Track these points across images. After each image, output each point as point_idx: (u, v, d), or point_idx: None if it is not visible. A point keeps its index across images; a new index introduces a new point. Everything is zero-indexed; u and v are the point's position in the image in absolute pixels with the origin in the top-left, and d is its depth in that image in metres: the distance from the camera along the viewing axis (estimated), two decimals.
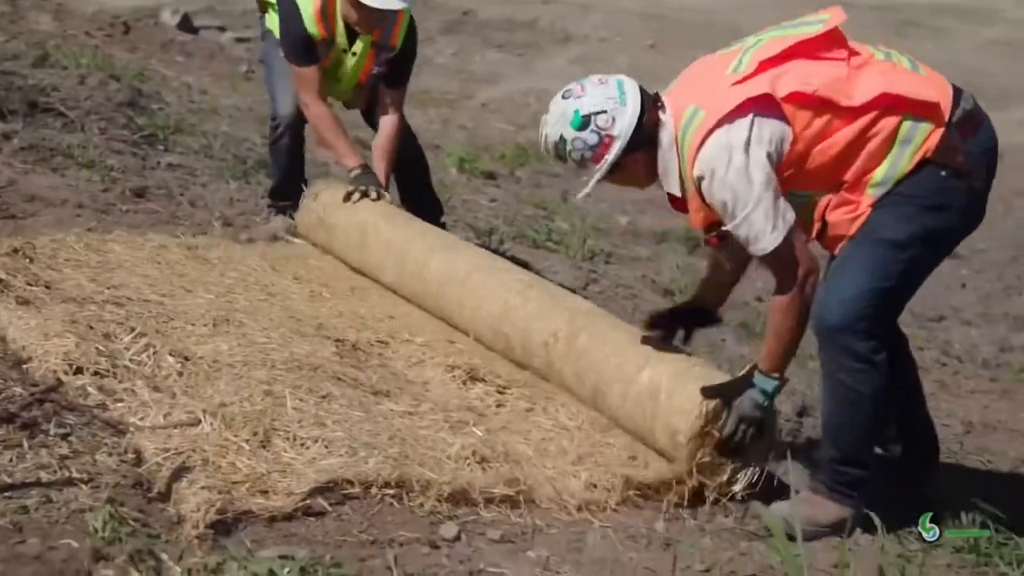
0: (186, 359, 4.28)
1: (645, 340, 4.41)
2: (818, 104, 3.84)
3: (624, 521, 3.78)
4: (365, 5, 6.00)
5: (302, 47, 6.20)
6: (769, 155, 3.82)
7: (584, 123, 3.99)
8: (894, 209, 3.88)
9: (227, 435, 3.70)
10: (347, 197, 6.12)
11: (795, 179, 3.94)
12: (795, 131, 3.85)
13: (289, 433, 3.80)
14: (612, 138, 3.98)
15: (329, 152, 6.69)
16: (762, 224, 3.83)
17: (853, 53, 3.94)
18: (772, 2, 18.23)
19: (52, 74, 8.46)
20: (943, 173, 3.86)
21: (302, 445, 3.75)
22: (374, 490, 3.59)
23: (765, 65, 3.88)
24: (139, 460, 3.55)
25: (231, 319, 4.81)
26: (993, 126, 4.02)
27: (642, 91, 4.06)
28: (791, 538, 3.40)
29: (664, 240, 8.98)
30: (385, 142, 6.43)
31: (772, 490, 4.12)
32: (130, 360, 4.18)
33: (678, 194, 4.04)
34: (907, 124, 3.86)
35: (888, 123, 3.86)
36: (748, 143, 3.80)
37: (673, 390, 4.12)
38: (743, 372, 4.08)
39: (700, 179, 3.89)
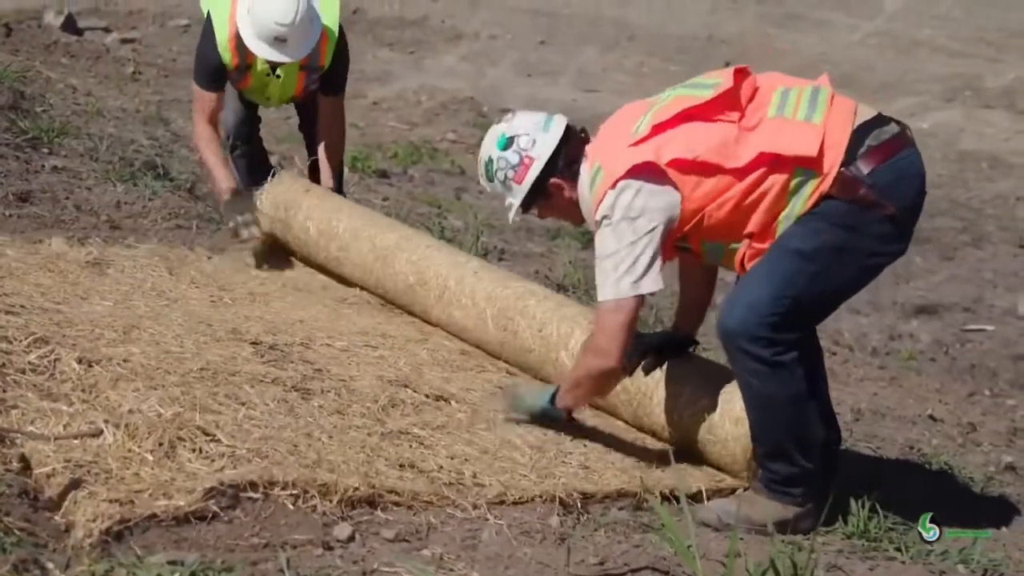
0: (91, 364, 4.17)
1: None
2: (702, 168, 4.00)
3: (519, 517, 3.78)
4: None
5: (210, 72, 6.29)
6: (653, 224, 4.01)
7: (508, 143, 4.27)
8: (804, 225, 4.00)
9: (130, 445, 3.61)
10: (235, 234, 6.23)
11: (699, 233, 4.09)
12: (684, 192, 4.02)
13: (195, 444, 3.71)
14: (531, 159, 4.23)
15: (206, 174, 6.71)
16: (608, 273, 4.06)
17: (744, 115, 4.05)
18: None
19: None
20: (849, 205, 3.96)
21: (204, 454, 3.68)
22: (275, 491, 3.54)
23: (657, 129, 4.06)
24: (25, 468, 3.47)
25: (139, 326, 4.69)
26: (916, 156, 4.08)
27: (570, 126, 4.31)
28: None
29: (557, 236, 9.03)
30: (330, 156, 6.60)
31: None
32: (28, 365, 4.07)
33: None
34: (797, 178, 3.98)
35: (778, 179, 3.99)
36: (628, 208, 4.02)
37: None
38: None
39: (596, 232, 4.14)
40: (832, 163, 3.96)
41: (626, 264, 4.01)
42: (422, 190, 9.96)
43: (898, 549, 4.00)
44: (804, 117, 4.01)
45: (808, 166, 3.96)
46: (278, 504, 3.51)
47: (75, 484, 3.36)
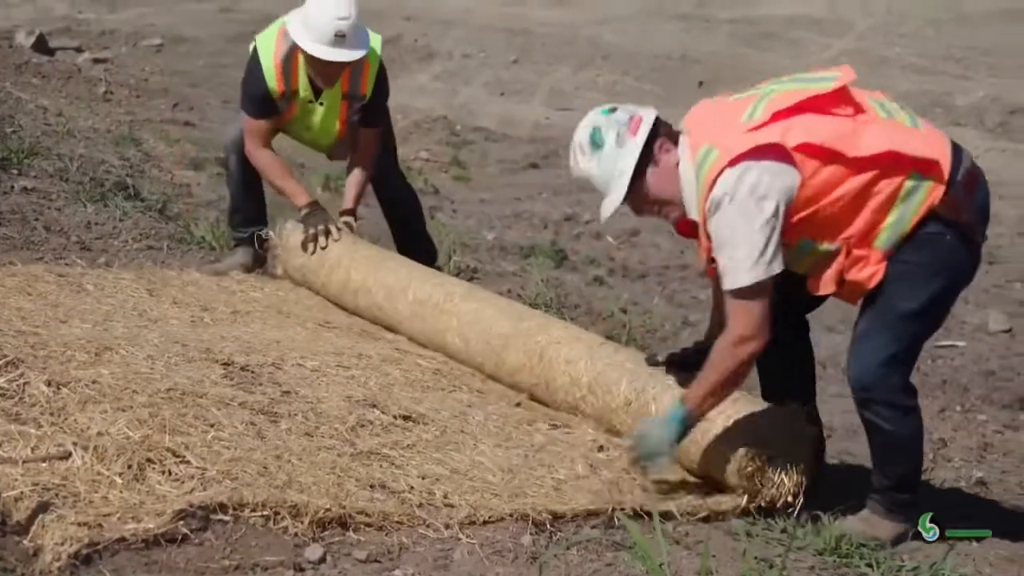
0: (60, 387, 4.13)
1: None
2: (826, 154, 4.05)
3: (490, 536, 3.77)
4: (319, 59, 6.04)
5: (258, 101, 6.34)
6: (777, 203, 4.02)
7: (613, 110, 4.25)
8: (907, 281, 4.14)
9: (99, 468, 3.59)
10: (304, 247, 6.30)
11: (802, 227, 4.11)
12: (804, 177, 4.05)
13: (165, 467, 3.69)
14: (641, 117, 4.21)
15: (281, 196, 6.75)
16: (741, 260, 4.03)
17: (859, 111, 4.15)
18: (629, 17, 18.52)
19: None
20: (948, 237, 4.11)
21: (173, 476, 3.66)
22: (245, 513, 3.51)
23: (778, 116, 4.08)
24: None
25: (113, 347, 4.66)
26: (987, 186, 4.26)
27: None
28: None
29: (531, 255, 9.03)
30: (356, 173, 6.60)
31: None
32: None
33: (696, 218, 4.20)
34: (910, 183, 4.08)
35: (891, 182, 4.07)
36: (755, 187, 4.01)
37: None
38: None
39: (708, 209, 4.09)
40: (944, 173, 4.08)
41: (759, 247, 4.01)
42: None
43: (869, 565, 4.00)
44: (910, 124, 4.18)
45: (925, 172, 4.07)
46: (249, 526, 3.49)
47: (43, 507, 3.34)
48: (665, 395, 4.53)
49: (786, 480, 4.31)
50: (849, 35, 17.97)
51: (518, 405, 5.02)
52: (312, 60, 6.11)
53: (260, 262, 6.71)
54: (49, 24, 14.96)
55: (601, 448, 4.61)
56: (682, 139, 4.23)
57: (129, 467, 3.62)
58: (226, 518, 3.47)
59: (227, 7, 18.98)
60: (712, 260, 4.23)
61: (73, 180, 7.55)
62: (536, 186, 11.98)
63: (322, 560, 3.43)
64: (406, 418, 4.55)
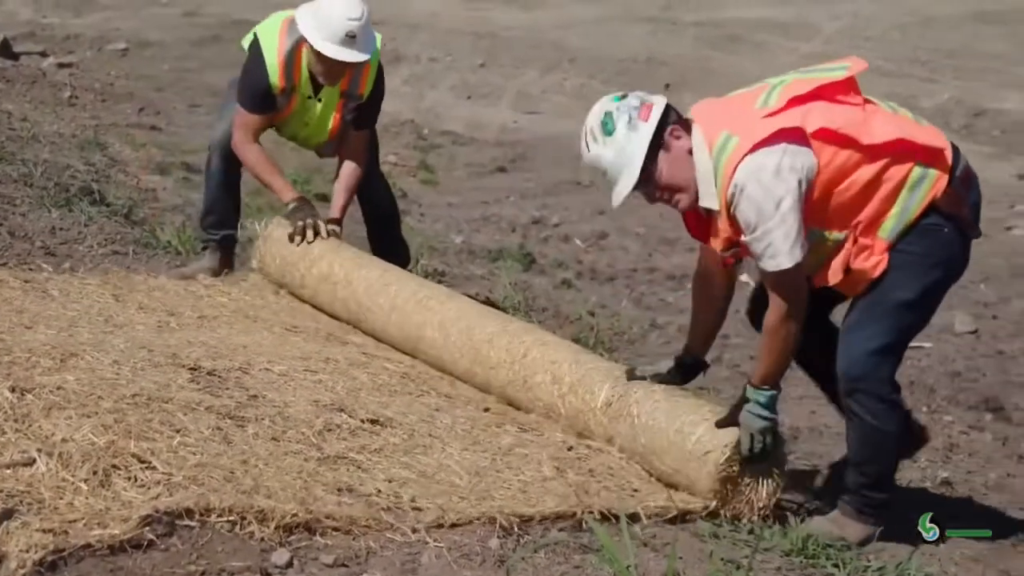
0: (24, 393, 4.11)
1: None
2: (841, 141, 4.12)
3: (458, 540, 3.77)
4: (327, 57, 6.00)
5: (258, 96, 6.31)
6: (799, 182, 4.05)
7: (623, 97, 4.28)
8: (906, 271, 4.20)
9: (64, 474, 3.57)
10: (291, 238, 6.26)
11: (815, 216, 4.15)
12: (821, 162, 4.11)
13: (130, 472, 3.68)
14: (652, 103, 4.24)
15: (268, 192, 6.74)
16: (780, 243, 4.06)
17: (867, 101, 4.24)
18: (595, 20, 18.56)
19: None
20: (946, 230, 4.21)
21: (139, 482, 3.65)
22: (212, 518, 3.50)
23: (794, 102, 4.15)
24: None
25: (78, 353, 4.64)
26: (979, 182, 4.37)
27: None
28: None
29: (499, 258, 9.02)
30: (345, 179, 6.55)
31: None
32: None
33: (715, 207, 4.21)
34: (917, 170, 4.17)
35: (900, 169, 4.16)
36: (779, 167, 4.05)
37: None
38: (741, 394, 4.36)
39: (731, 196, 4.10)
40: (947, 166, 4.19)
41: (793, 230, 4.05)
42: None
43: (836, 565, 4.02)
44: (914, 120, 4.28)
45: (930, 162, 4.17)
46: (215, 531, 3.48)
47: (7, 514, 3.32)
48: (647, 400, 4.54)
49: (754, 498, 4.32)
50: (816, 39, 18.04)
51: (487, 410, 5.02)
52: (320, 57, 6.10)
53: (227, 266, 6.68)
54: (13, 28, 14.87)
55: (571, 448, 4.61)
56: (695, 128, 4.25)
57: (94, 473, 3.60)
58: (192, 524, 3.47)
59: (191, 11, 18.90)
60: (729, 247, 4.28)
61: (38, 185, 7.50)
62: (504, 190, 11.98)
63: (289, 565, 3.43)
64: (373, 422, 4.55)
